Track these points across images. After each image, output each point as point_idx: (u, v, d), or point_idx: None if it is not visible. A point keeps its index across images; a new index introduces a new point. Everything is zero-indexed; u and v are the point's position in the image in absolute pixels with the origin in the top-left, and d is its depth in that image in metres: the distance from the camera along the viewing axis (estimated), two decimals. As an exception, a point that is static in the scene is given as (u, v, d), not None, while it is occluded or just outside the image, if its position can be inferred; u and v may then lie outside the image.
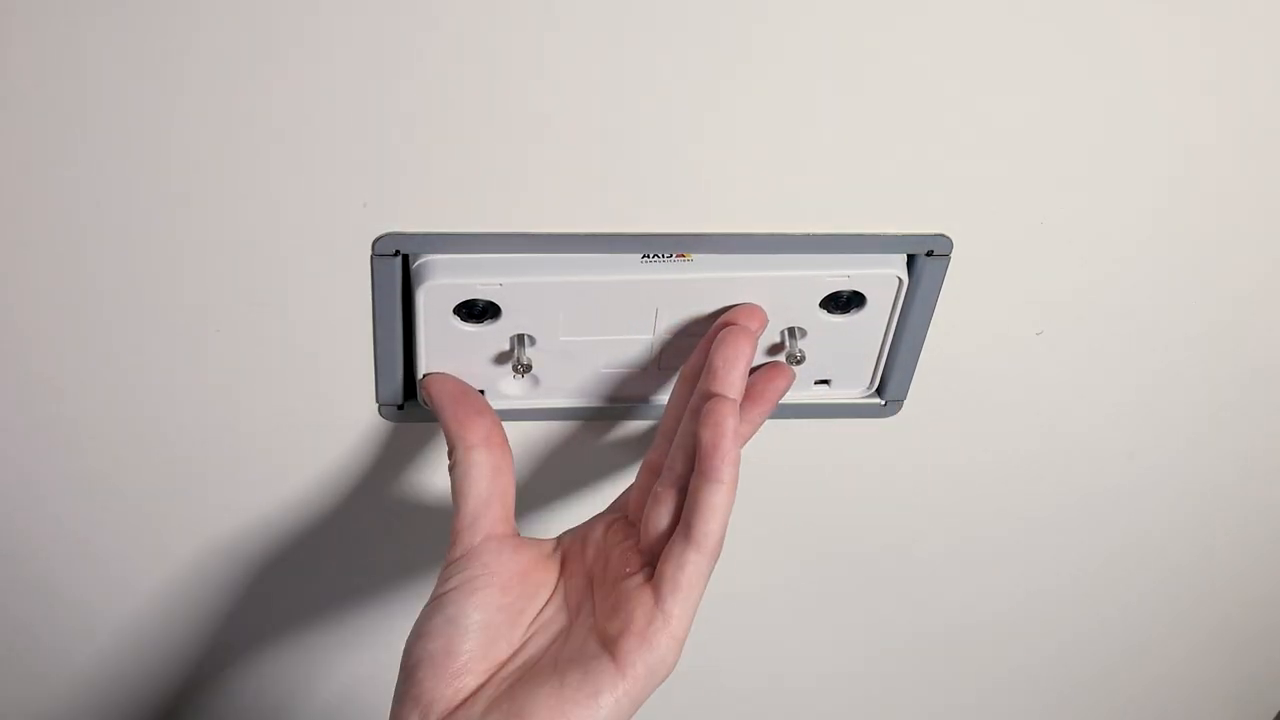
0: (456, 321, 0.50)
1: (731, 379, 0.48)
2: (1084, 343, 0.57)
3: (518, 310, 0.50)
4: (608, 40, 0.43)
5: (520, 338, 0.51)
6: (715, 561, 0.46)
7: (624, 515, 0.51)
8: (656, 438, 0.51)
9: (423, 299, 0.49)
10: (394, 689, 0.46)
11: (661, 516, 0.48)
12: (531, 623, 0.47)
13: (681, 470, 0.48)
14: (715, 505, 0.46)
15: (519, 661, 0.46)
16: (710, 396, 0.47)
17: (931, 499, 0.65)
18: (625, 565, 0.48)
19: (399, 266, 0.49)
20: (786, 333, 0.52)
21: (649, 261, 0.49)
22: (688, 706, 0.76)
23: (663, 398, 0.55)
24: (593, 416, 0.56)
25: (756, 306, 0.50)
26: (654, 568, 0.46)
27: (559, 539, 0.51)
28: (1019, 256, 0.52)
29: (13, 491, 0.57)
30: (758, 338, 0.50)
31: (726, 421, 0.46)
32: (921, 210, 0.50)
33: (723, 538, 0.46)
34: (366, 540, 0.62)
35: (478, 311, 0.50)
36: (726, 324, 0.50)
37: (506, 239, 0.48)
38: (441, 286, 0.49)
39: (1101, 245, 0.52)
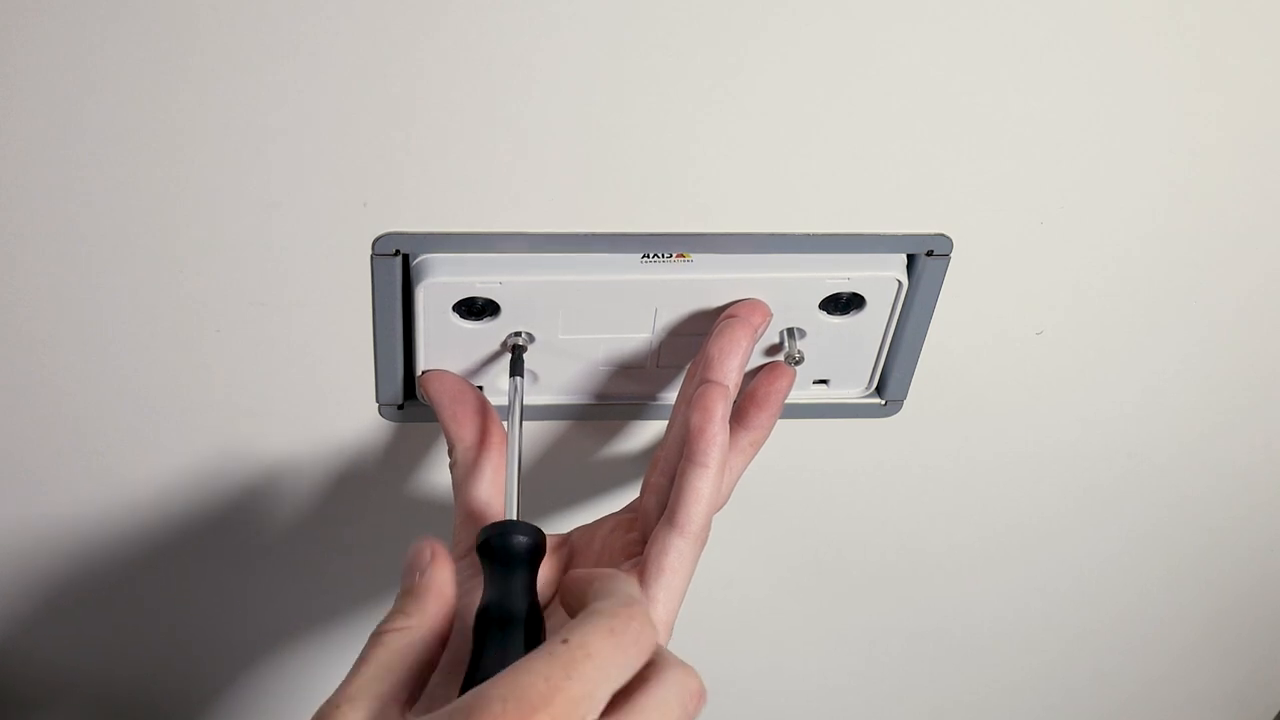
0: (456, 319, 0.50)
1: (725, 367, 0.48)
2: (1084, 343, 0.57)
3: (517, 308, 0.50)
4: (608, 40, 0.43)
5: (519, 335, 0.51)
6: (700, 546, 0.46)
7: (635, 513, 0.51)
8: (664, 434, 0.51)
9: (422, 296, 0.49)
10: None
11: (654, 504, 0.48)
12: None
13: (675, 459, 0.47)
14: (699, 490, 0.45)
15: None
16: (702, 382, 0.47)
17: (931, 499, 0.65)
18: (625, 556, 0.47)
19: (399, 266, 0.49)
20: (786, 333, 0.52)
21: (649, 261, 0.49)
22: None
23: (661, 397, 0.55)
24: (591, 415, 0.56)
25: (760, 301, 0.50)
26: None
27: (569, 534, 0.51)
28: (1019, 256, 0.52)
29: (11, 491, 0.57)
30: (759, 332, 0.50)
31: (715, 406, 0.46)
32: (921, 210, 0.50)
33: (707, 523, 0.46)
34: (367, 540, 0.62)
35: (477, 309, 0.50)
36: (727, 316, 0.50)
37: (506, 239, 0.48)
38: (441, 284, 0.49)
39: (1101, 245, 0.52)
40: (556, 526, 0.58)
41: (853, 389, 0.56)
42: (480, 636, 0.42)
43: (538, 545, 0.44)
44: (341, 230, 0.47)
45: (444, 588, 0.43)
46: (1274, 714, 0.91)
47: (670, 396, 0.55)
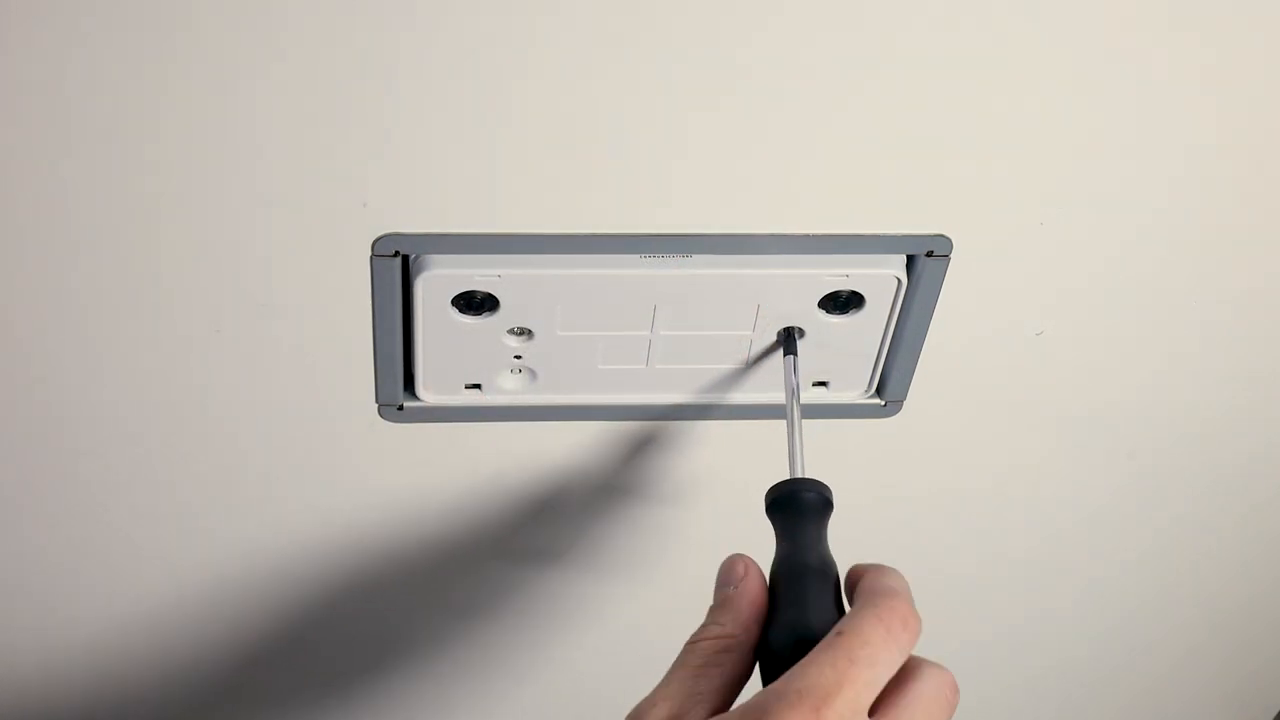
0: (454, 313, 0.50)
1: None
2: (1084, 343, 0.57)
3: (516, 302, 0.50)
4: (608, 40, 0.43)
5: (518, 330, 0.51)
6: None
7: None
8: None
9: (421, 289, 0.49)
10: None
11: None
12: None
13: None
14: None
15: None
16: None
17: (931, 499, 0.65)
18: None
19: (399, 267, 0.49)
20: (784, 333, 0.52)
21: (649, 258, 0.49)
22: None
23: (659, 397, 0.55)
24: (589, 415, 0.56)
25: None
26: None
27: None
28: (1019, 257, 0.52)
29: (10, 491, 0.57)
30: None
31: None
32: (921, 210, 0.50)
33: None
34: (365, 540, 0.62)
35: (476, 304, 0.50)
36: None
37: (506, 239, 0.48)
38: (440, 276, 0.49)
39: (1101, 246, 0.52)
40: (550, 526, 0.58)
41: (853, 390, 0.56)
42: (775, 592, 0.44)
43: (825, 499, 0.47)
44: (341, 230, 0.47)
45: (756, 598, 0.44)
46: (1274, 714, 0.91)
47: (667, 396, 0.55)
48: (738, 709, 0.39)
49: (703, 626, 0.44)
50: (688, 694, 0.41)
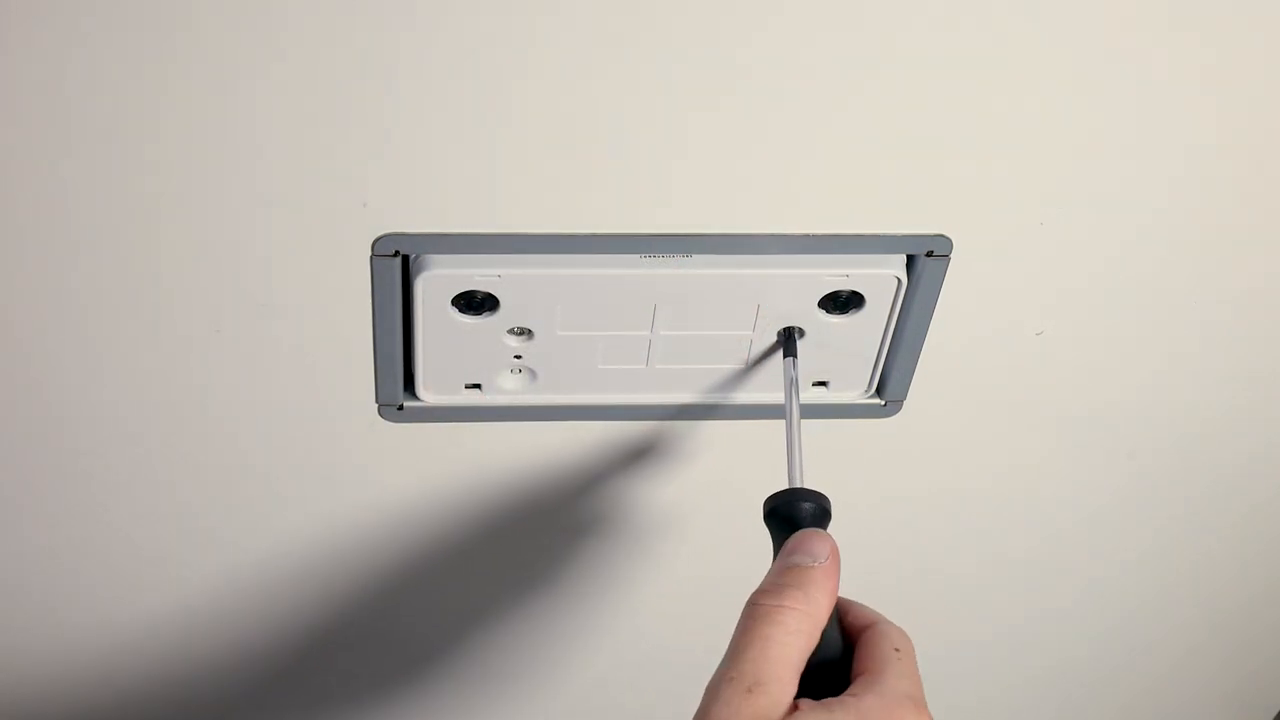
0: (454, 313, 0.50)
1: None
2: (1084, 343, 0.57)
3: (516, 302, 0.50)
4: (608, 40, 0.43)
5: (518, 330, 0.51)
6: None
7: None
8: None
9: (421, 289, 0.49)
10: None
11: None
12: None
13: None
14: None
15: None
16: None
17: (931, 500, 0.65)
18: None
19: (399, 267, 0.49)
20: (784, 333, 0.52)
21: (648, 258, 0.50)
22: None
23: (659, 397, 0.55)
24: (589, 415, 0.56)
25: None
26: None
27: None
28: (1019, 257, 0.52)
29: (10, 491, 0.57)
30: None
31: None
32: (921, 210, 0.50)
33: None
34: (365, 540, 0.62)
35: (476, 303, 0.50)
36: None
37: (506, 239, 0.48)
38: (440, 276, 0.49)
39: (1101, 246, 0.52)
40: (550, 527, 0.58)
41: (853, 390, 0.56)
42: None
43: (823, 510, 0.46)
44: (341, 230, 0.47)
45: (835, 583, 0.44)
46: (1274, 714, 0.91)
47: (668, 396, 0.55)
48: (849, 702, 0.41)
49: (779, 590, 0.43)
50: (774, 663, 0.41)
